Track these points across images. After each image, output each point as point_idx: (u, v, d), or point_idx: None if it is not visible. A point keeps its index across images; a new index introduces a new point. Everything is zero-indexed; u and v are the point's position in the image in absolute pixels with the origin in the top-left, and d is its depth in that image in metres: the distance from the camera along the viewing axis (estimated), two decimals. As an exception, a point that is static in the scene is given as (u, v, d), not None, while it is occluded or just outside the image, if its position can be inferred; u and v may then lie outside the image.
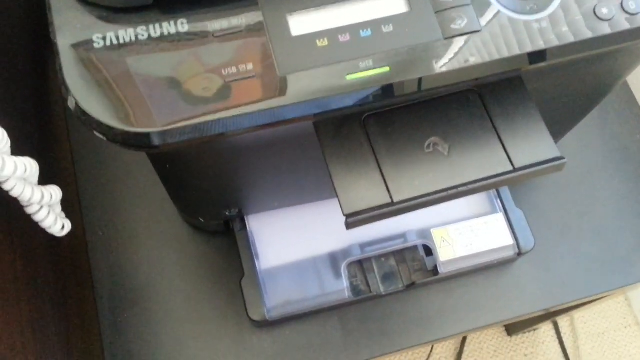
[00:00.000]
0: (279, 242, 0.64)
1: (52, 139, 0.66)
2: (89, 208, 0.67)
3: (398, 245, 0.65)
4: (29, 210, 0.45)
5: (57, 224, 0.47)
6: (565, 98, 0.52)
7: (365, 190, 0.40)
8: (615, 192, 0.72)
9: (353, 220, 0.39)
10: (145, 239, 0.67)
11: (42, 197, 0.44)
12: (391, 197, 0.40)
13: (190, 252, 0.67)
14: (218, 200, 0.58)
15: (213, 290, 0.65)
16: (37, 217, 0.46)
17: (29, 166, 0.42)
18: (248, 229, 0.64)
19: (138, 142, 0.35)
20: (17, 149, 0.40)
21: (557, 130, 0.65)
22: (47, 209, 0.46)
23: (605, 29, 0.38)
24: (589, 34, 0.37)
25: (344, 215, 0.40)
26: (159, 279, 0.65)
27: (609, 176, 0.72)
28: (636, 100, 0.77)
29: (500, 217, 0.66)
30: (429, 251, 0.65)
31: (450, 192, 0.40)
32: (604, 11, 0.38)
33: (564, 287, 0.67)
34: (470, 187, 0.41)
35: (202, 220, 0.63)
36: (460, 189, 0.40)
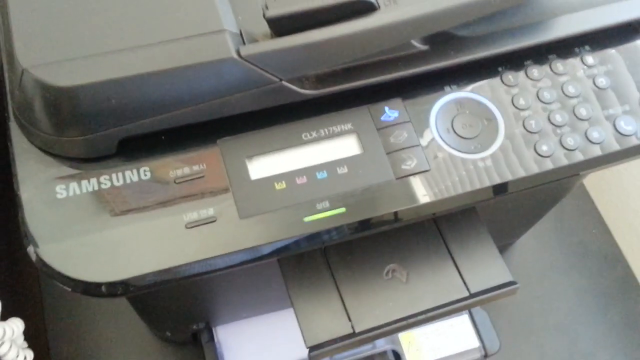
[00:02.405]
0: (248, 352, 0.64)
1: (18, 266, 0.66)
2: (55, 330, 0.66)
3: (367, 351, 0.65)
4: (-9, 347, 0.45)
5: (18, 357, 0.47)
6: (519, 212, 0.54)
7: (328, 321, 0.41)
8: (575, 286, 0.74)
9: (316, 353, 0.40)
10: (112, 353, 0.66)
11: (4, 333, 0.44)
12: (353, 328, 0.41)
13: (157, 364, 0.66)
14: (184, 316, 0.58)
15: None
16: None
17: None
18: (216, 339, 0.63)
19: (98, 292, 0.36)
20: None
21: (515, 233, 0.67)
22: (8, 343, 0.46)
23: (547, 165, 0.40)
24: (531, 170, 0.40)
25: (307, 347, 0.40)
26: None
27: (568, 271, 0.75)
28: (590, 196, 0.80)
29: (465, 319, 0.67)
30: (398, 356, 0.65)
31: (410, 320, 0.41)
32: (544, 148, 0.40)
33: (532, 386, 0.68)
34: (429, 314, 0.42)
35: (170, 334, 0.63)
36: (419, 317, 0.42)
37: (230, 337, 0.64)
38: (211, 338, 0.64)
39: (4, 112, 0.39)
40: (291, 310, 0.65)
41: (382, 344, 0.65)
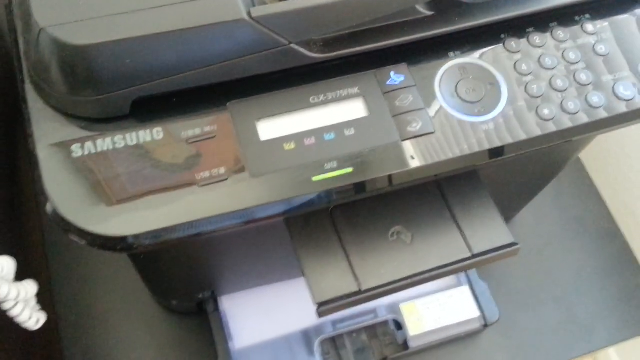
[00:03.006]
0: (252, 322, 0.66)
1: (23, 228, 0.67)
2: (61, 294, 0.67)
3: (369, 320, 0.66)
4: (5, 307, 0.46)
5: (31, 318, 0.48)
6: (519, 180, 0.55)
7: (335, 279, 0.43)
8: (573, 261, 0.75)
9: (324, 309, 0.41)
10: (118, 322, 0.67)
11: (18, 293, 0.45)
12: (359, 286, 0.42)
13: (163, 334, 0.67)
14: (191, 284, 0.59)
15: (188, 373, 0.65)
16: (13, 313, 0.46)
17: (6, 264, 0.43)
18: (221, 309, 0.65)
19: (114, 245, 0.37)
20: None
21: (515, 206, 0.68)
22: (22, 304, 0.47)
23: (549, 127, 0.41)
24: (533, 133, 0.41)
25: (315, 304, 0.42)
26: (132, 362, 0.66)
27: (566, 246, 0.76)
28: (587, 172, 0.81)
29: (465, 289, 0.68)
30: (399, 325, 0.67)
31: (414, 279, 0.43)
32: (545, 112, 0.41)
33: (530, 357, 0.69)
34: (432, 273, 0.43)
35: (175, 303, 0.64)
36: (423, 276, 0.43)
37: (235, 307, 0.66)
38: (216, 308, 0.65)
39: (16, 76, 0.40)
40: (294, 281, 0.67)
41: (383, 313, 0.67)
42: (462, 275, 0.69)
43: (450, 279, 0.69)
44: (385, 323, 0.67)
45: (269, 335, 0.65)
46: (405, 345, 0.66)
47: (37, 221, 0.71)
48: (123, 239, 0.37)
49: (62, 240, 0.70)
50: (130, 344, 0.66)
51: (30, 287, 0.47)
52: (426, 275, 0.43)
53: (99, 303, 0.68)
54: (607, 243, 0.77)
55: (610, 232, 0.77)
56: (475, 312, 0.67)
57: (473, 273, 0.69)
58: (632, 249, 0.76)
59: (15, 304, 0.46)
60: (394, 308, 0.67)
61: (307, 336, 0.65)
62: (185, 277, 0.58)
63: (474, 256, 0.44)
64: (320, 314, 0.42)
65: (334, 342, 0.66)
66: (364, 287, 0.42)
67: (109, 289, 0.69)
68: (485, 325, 0.67)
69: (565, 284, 0.74)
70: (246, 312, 0.66)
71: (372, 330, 0.67)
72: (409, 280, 0.43)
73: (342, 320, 0.66)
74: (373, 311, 0.67)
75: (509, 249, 0.44)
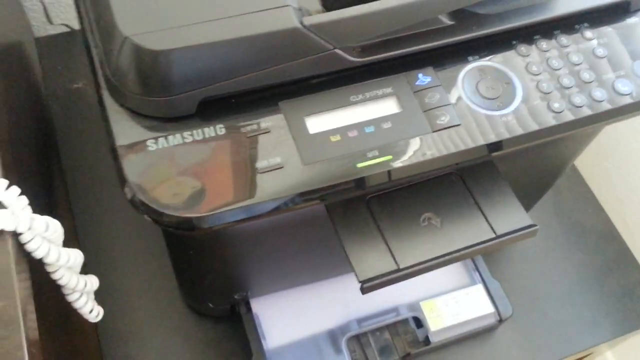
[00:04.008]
0: (283, 323, 0.70)
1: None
2: (97, 301, 0.71)
3: (391, 318, 0.71)
4: (71, 297, 0.50)
5: (92, 311, 0.52)
6: (525, 180, 0.61)
7: (375, 260, 0.47)
8: (575, 262, 0.81)
9: (368, 285, 0.46)
10: (153, 330, 0.71)
11: (85, 285, 0.49)
12: (397, 265, 0.47)
13: (197, 338, 0.71)
14: (230, 284, 0.63)
15: (222, 373, 0.69)
16: (78, 304, 0.50)
17: (77, 256, 0.47)
18: (253, 311, 0.69)
19: (184, 225, 0.42)
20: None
21: (525, 204, 0.74)
22: (86, 296, 0.51)
23: (560, 118, 0.47)
24: (546, 124, 0.47)
25: (359, 281, 0.46)
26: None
27: (568, 248, 0.82)
28: (584, 180, 0.87)
29: (480, 287, 0.73)
30: (419, 323, 0.71)
31: (446, 257, 0.48)
32: (555, 105, 0.47)
33: (541, 350, 0.74)
34: (462, 252, 0.48)
35: (211, 305, 0.68)
36: (454, 255, 0.48)
37: (266, 309, 0.70)
38: (249, 310, 0.69)
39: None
40: (320, 284, 0.71)
41: (404, 311, 0.71)
42: (476, 275, 0.74)
43: (466, 279, 0.74)
44: (405, 321, 0.71)
45: (299, 335, 0.69)
46: (426, 341, 0.70)
47: (73, 236, 0.75)
48: (191, 220, 0.41)
49: (97, 254, 0.75)
50: (166, 348, 0.70)
51: (93, 281, 0.51)
52: (456, 255, 0.48)
53: (134, 312, 0.72)
54: (606, 244, 0.82)
55: (608, 233, 0.83)
56: (490, 308, 0.72)
57: (486, 272, 0.74)
58: (630, 248, 0.82)
59: (80, 295, 0.51)
60: (415, 306, 0.71)
61: (333, 335, 0.70)
62: (224, 278, 0.62)
63: (497, 237, 0.49)
64: (364, 290, 0.46)
65: (359, 341, 0.70)
66: (402, 266, 0.47)
67: (144, 299, 0.73)
68: (500, 320, 0.71)
69: (569, 282, 0.79)
70: (276, 314, 0.70)
71: (393, 328, 0.71)
72: (442, 259, 0.48)
73: (366, 318, 0.71)
74: (395, 309, 0.71)
75: (528, 230, 0.49)
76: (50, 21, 0.93)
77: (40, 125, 0.77)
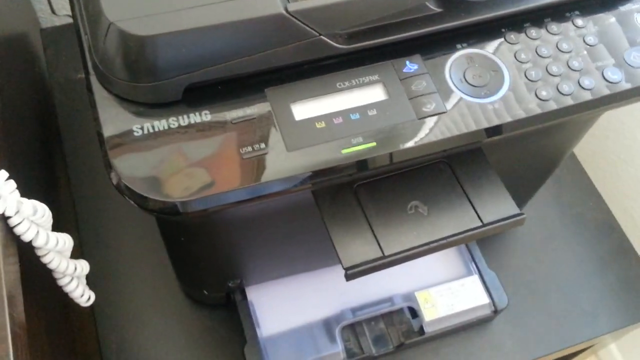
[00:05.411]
0: (277, 311, 0.70)
1: (59, 220, 0.72)
2: (95, 290, 0.72)
3: (386, 308, 0.71)
4: (62, 282, 0.51)
5: (84, 295, 0.53)
6: (521, 169, 0.61)
7: (360, 246, 0.48)
8: (575, 253, 0.80)
9: (352, 272, 0.46)
10: (150, 315, 0.72)
11: (75, 269, 0.50)
12: (382, 252, 0.47)
13: (193, 325, 0.72)
14: (222, 272, 0.64)
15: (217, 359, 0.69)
16: (68, 288, 0.51)
17: (67, 241, 0.48)
18: (248, 299, 0.69)
19: (168, 210, 0.42)
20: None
21: (518, 200, 0.73)
22: (76, 280, 0.52)
23: (547, 107, 0.47)
24: (533, 112, 0.47)
25: (344, 268, 0.47)
26: (163, 353, 0.70)
27: (568, 240, 0.81)
28: (585, 171, 0.87)
29: (475, 278, 0.73)
30: (414, 313, 0.71)
31: (431, 245, 0.48)
32: (543, 93, 0.47)
33: (538, 342, 0.74)
34: (448, 240, 0.48)
35: (206, 293, 0.69)
36: (440, 242, 0.48)
37: (261, 297, 0.70)
38: (244, 297, 0.70)
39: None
40: (314, 273, 0.72)
41: (399, 301, 0.71)
42: (472, 265, 0.74)
43: (461, 269, 0.74)
44: (400, 311, 0.71)
45: (293, 323, 0.70)
46: (420, 331, 0.70)
47: (74, 222, 0.76)
48: (175, 204, 0.42)
49: (96, 240, 0.76)
50: (162, 334, 0.71)
51: (84, 265, 0.52)
52: (443, 242, 0.48)
53: (132, 298, 0.73)
54: (606, 235, 0.82)
55: (608, 226, 0.82)
56: (485, 299, 0.71)
57: (482, 263, 0.74)
58: (630, 240, 0.81)
59: (71, 280, 0.51)
60: (409, 296, 0.71)
61: (328, 324, 0.70)
62: (217, 265, 0.63)
63: (484, 225, 0.49)
64: (348, 277, 0.47)
65: (353, 330, 0.71)
66: (386, 253, 0.47)
67: (141, 286, 0.74)
68: (495, 312, 0.71)
69: (568, 273, 0.78)
70: (271, 302, 0.70)
71: (388, 317, 0.71)
72: (427, 247, 0.48)
73: (361, 307, 0.71)
74: (389, 299, 0.71)
75: (515, 219, 0.49)
76: (54, 12, 0.94)
77: (42, 113, 0.78)
